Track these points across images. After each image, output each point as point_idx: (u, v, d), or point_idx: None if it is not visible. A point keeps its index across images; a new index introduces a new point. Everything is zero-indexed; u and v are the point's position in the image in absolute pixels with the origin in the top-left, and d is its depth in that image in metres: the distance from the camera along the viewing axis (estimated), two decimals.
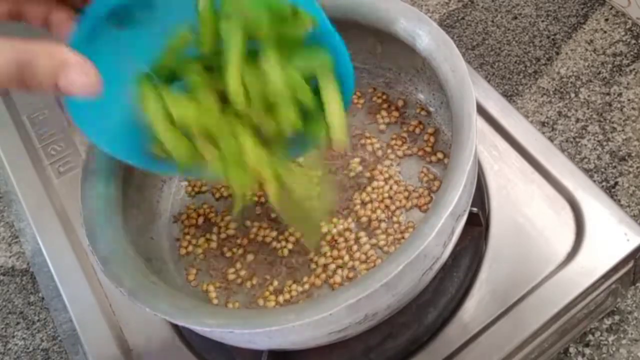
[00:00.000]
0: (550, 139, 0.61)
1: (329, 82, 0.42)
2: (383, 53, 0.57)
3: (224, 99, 0.42)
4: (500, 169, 0.55)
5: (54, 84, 0.35)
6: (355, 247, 0.51)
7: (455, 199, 0.41)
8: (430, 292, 0.49)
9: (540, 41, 0.76)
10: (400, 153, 0.55)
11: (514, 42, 0.76)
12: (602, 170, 0.65)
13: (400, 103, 0.58)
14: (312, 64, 0.42)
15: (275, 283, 0.51)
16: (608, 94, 0.70)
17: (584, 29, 0.76)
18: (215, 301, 0.51)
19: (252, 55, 0.41)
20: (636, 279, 0.54)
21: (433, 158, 0.54)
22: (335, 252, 0.51)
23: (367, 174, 0.55)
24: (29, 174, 0.63)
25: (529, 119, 0.63)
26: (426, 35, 0.49)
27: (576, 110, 0.69)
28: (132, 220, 0.52)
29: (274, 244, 0.53)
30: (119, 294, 0.43)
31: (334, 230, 0.52)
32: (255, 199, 0.54)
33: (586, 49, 0.74)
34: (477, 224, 0.51)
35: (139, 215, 0.53)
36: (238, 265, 0.53)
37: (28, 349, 0.66)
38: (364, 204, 0.53)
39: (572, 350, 0.57)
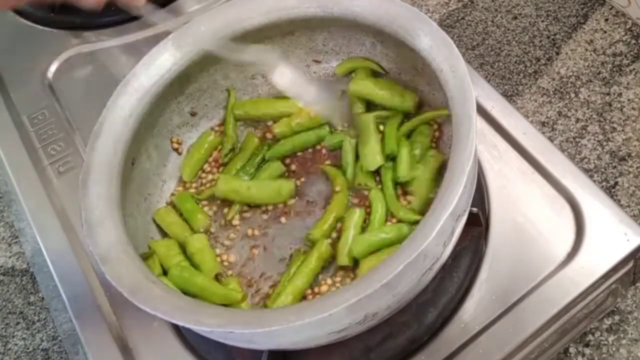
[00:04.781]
0: (550, 139, 0.61)
1: None
2: (383, 53, 0.57)
3: None
4: (500, 169, 0.55)
5: None
6: None
7: (456, 199, 0.41)
8: (430, 292, 0.49)
9: (540, 41, 0.76)
10: None
11: (514, 42, 0.76)
12: (602, 170, 0.65)
13: None
14: None
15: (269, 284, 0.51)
16: (608, 94, 0.70)
17: (584, 29, 0.76)
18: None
19: None
20: (636, 279, 0.54)
21: None
22: None
23: None
24: (29, 174, 0.63)
25: (529, 119, 0.63)
26: (426, 35, 0.49)
27: (576, 110, 0.69)
28: (132, 220, 0.52)
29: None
30: (119, 294, 0.43)
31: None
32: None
33: (586, 49, 0.74)
34: (477, 224, 0.51)
35: (138, 216, 0.53)
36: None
37: (28, 349, 0.66)
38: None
39: (572, 350, 0.56)
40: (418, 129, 0.54)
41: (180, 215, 0.55)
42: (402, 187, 0.53)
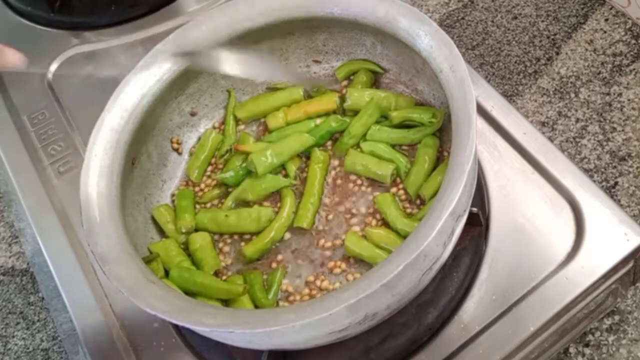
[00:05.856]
0: (550, 139, 0.61)
1: None
2: (383, 53, 0.57)
3: None
4: (500, 169, 0.55)
5: None
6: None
7: (455, 199, 0.41)
8: (430, 292, 0.49)
9: (540, 41, 0.76)
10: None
11: (514, 42, 0.76)
12: (602, 170, 0.65)
13: None
14: None
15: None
16: (608, 94, 0.70)
17: (584, 29, 0.76)
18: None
19: None
20: (636, 279, 0.54)
21: None
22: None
23: None
24: (29, 174, 0.63)
25: (529, 119, 0.63)
26: (426, 35, 0.49)
27: (576, 110, 0.69)
28: (132, 220, 0.52)
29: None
30: (119, 294, 0.43)
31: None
32: None
33: (586, 49, 0.74)
34: (477, 224, 0.51)
35: (138, 216, 0.53)
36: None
37: (28, 349, 0.66)
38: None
39: (572, 350, 0.57)
40: (423, 141, 0.54)
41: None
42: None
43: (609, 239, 0.50)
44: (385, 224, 0.51)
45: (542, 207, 0.52)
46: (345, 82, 0.60)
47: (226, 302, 0.50)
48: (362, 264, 0.50)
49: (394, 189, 0.53)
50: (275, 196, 0.55)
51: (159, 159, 0.57)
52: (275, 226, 0.53)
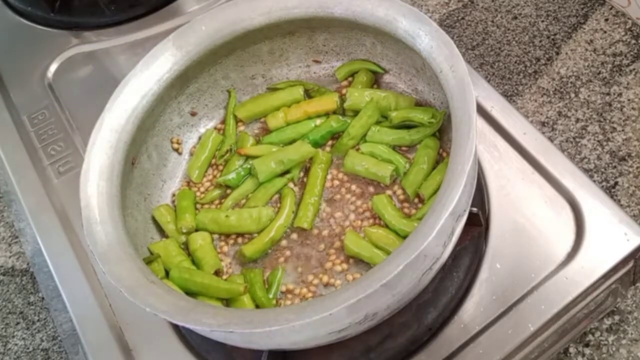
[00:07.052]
0: (550, 139, 0.61)
1: None
2: (383, 53, 0.57)
3: None
4: (500, 169, 0.55)
5: None
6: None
7: (455, 199, 0.41)
8: (430, 292, 0.49)
9: (540, 41, 0.76)
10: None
11: (514, 42, 0.76)
12: (602, 170, 0.65)
13: None
14: None
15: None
16: (608, 94, 0.70)
17: (584, 29, 0.76)
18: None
19: None
20: (636, 279, 0.54)
21: None
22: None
23: None
24: (29, 174, 0.63)
25: (529, 119, 0.63)
26: (426, 35, 0.49)
27: (576, 110, 0.69)
28: (132, 220, 0.52)
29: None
30: (119, 294, 0.43)
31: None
32: None
33: (586, 49, 0.74)
34: (477, 224, 0.51)
35: (138, 216, 0.53)
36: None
37: (28, 349, 0.66)
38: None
39: (572, 350, 0.57)
40: (423, 142, 0.54)
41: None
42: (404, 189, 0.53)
43: (609, 239, 0.50)
44: (384, 224, 0.51)
45: (542, 207, 0.52)
46: (345, 82, 0.60)
47: (227, 302, 0.50)
48: (362, 264, 0.50)
49: (392, 190, 0.53)
50: (276, 196, 0.55)
51: (159, 159, 0.57)
52: (275, 226, 0.53)
